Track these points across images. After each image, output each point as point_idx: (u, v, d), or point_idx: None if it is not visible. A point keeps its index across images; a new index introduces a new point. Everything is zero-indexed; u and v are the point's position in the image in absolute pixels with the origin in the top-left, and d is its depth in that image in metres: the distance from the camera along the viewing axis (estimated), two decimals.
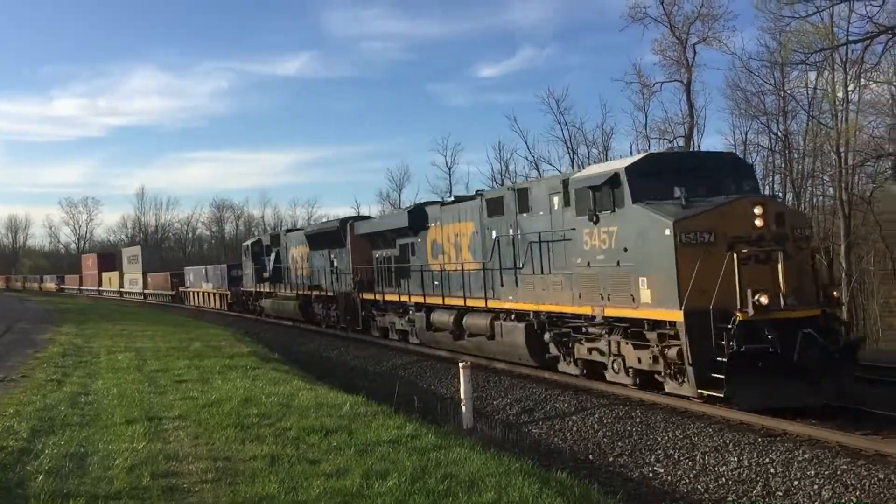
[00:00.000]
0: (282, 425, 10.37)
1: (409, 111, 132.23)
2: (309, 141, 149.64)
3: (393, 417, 10.97)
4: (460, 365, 13.03)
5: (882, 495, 8.24)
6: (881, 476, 8.61)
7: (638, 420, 12.07)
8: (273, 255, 35.83)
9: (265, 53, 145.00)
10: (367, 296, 24.94)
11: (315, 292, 30.19)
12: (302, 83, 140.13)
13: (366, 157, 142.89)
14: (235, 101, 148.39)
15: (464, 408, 12.62)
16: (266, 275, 36.64)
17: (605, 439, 11.63)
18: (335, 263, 28.06)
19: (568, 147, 58.69)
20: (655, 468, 10.19)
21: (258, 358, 19.03)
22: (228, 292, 45.83)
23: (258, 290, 38.39)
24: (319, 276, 29.76)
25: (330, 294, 28.53)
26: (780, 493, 8.78)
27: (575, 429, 12.36)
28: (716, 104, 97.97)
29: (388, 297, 23.40)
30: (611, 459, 10.82)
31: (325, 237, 28.92)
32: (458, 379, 13.04)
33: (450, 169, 71.43)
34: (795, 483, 8.92)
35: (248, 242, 41.60)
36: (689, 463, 10.09)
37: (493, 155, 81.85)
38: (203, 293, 52.73)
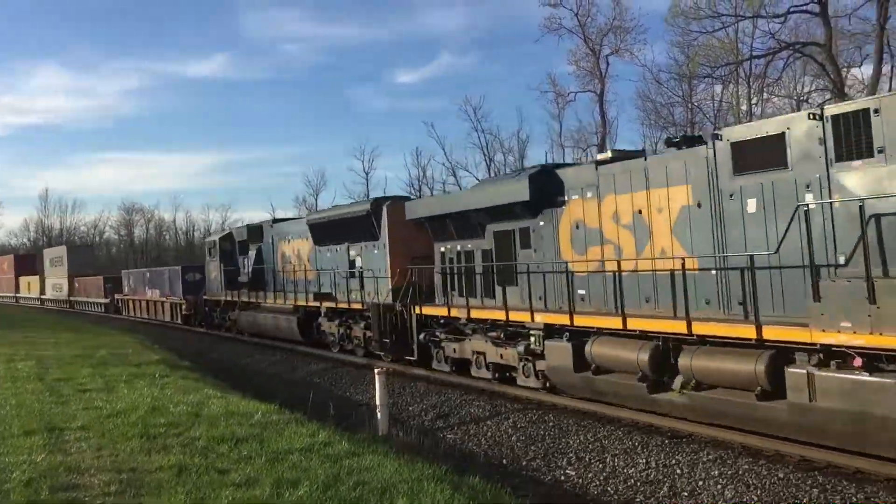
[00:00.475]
0: (190, 435, 10.14)
1: (327, 115, 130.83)
2: (223, 144, 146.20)
3: (306, 425, 10.84)
4: (375, 371, 12.96)
5: (781, 493, 8.57)
6: (781, 475, 8.95)
7: (551, 424, 12.25)
8: (253, 254, 28.77)
9: (177, 54, 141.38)
10: (431, 310, 17.49)
11: (326, 303, 22.28)
12: (216, 84, 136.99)
13: (282, 161, 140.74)
14: (147, 102, 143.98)
15: (379, 414, 12.56)
16: (242, 279, 29.29)
17: (518, 443, 11.76)
18: (359, 263, 21.01)
19: (485, 154, 59.72)
20: (567, 471, 10.35)
21: (167, 366, 18.54)
22: (184, 301, 36.70)
23: (229, 298, 29.91)
24: (331, 281, 22.41)
25: (354, 307, 20.70)
26: (686, 494, 9.04)
27: (489, 433, 12.45)
28: (627, 114, 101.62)
29: (476, 314, 15.74)
30: (524, 463, 10.94)
31: (342, 226, 21.59)
32: (374, 385, 12.98)
33: (367, 174, 71.54)
34: (700, 483, 9.20)
35: (216, 237, 32.56)
36: (600, 465, 10.30)
37: (411, 161, 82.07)
38: (148, 302, 42.98)
